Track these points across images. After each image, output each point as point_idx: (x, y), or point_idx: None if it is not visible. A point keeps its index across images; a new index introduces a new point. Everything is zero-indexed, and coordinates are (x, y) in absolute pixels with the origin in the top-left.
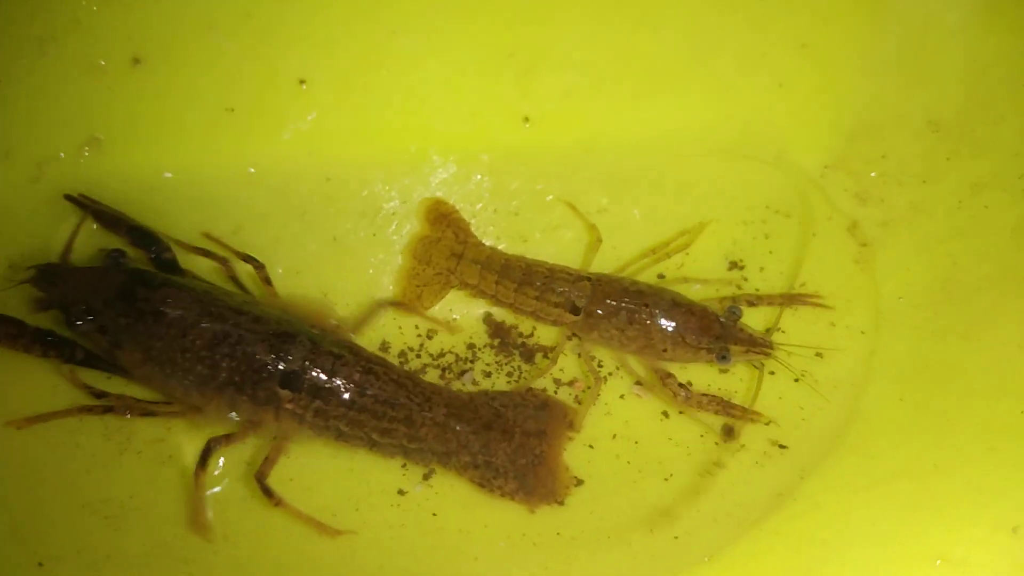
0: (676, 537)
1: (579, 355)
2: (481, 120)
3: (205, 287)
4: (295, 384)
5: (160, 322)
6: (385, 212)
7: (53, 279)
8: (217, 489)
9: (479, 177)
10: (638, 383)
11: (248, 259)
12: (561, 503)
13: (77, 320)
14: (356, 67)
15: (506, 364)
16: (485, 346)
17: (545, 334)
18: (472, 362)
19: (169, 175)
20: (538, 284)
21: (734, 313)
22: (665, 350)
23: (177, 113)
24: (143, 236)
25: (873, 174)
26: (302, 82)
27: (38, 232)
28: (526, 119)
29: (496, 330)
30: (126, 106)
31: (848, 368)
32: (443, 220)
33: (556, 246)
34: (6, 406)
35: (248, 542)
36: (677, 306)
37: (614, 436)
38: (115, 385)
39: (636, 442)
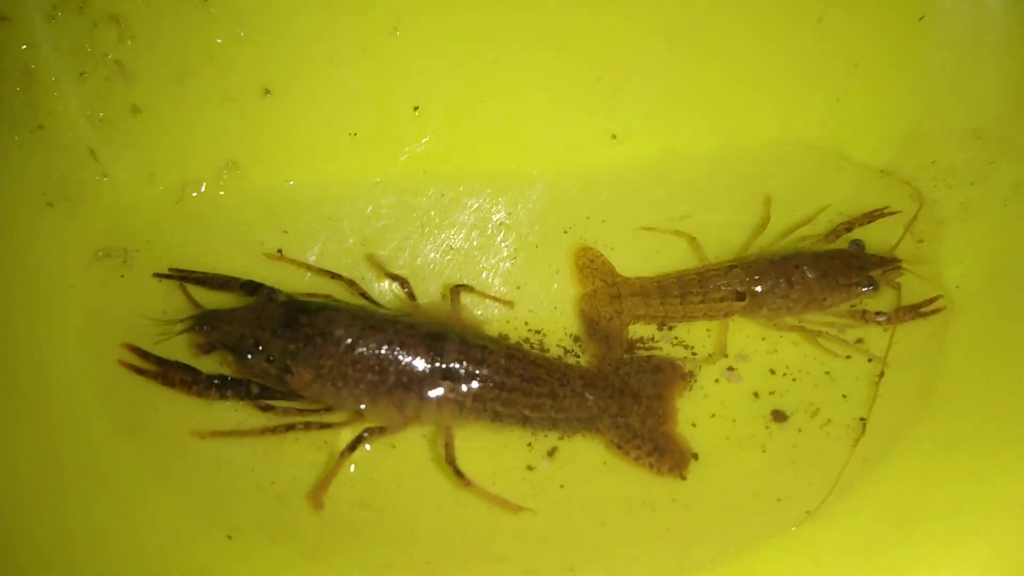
0: (778, 500)
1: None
2: (573, 138)
3: (353, 306)
4: (454, 376)
5: (328, 341)
6: (493, 223)
7: (214, 323)
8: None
9: (573, 190)
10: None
11: (395, 278)
12: (684, 478)
13: (248, 354)
14: (462, 94)
15: None
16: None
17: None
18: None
19: (301, 196)
20: (696, 289)
21: (859, 245)
22: (825, 298)
23: (305, 139)
24: (255, 287)
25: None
26: (416, 108)
27: (182, 248)
28: (613, 136)
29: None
30: (259, 133)
31: (919, 349)
32: (587, 271)
33: (645, 250)
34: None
35: (403, 514)
36: (818, 257)
37: (712, 415)
38: None
39: (733, 420)
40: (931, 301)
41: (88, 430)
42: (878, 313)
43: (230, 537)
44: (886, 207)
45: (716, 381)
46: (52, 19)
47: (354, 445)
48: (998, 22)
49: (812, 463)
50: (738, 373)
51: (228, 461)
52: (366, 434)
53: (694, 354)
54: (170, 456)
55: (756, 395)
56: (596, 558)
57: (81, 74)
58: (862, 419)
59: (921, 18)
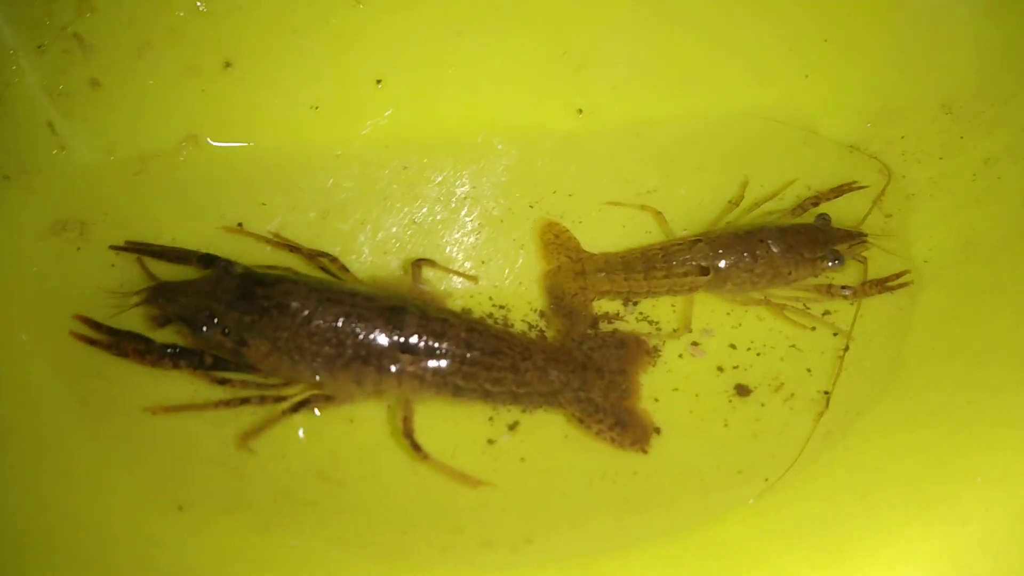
0: (740, 472)
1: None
2: (540, 111)
3: (311, 278)
4: (414, 349)
5: (285, 313)
6: (458, 196)
7: (169, 295)
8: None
9: (539, 163)
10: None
11: (322, 254)
12: (646, 452)
13: (203, 326)
14: (427, 66)
15: None
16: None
17: None
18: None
19: (262, 169)
20: (660, 263)
21: (825, 219)
22: (790, 272)
23: (266, 111)
24: (212, 259)
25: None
26: (379, 81)
27: (140, 221)
28: (580, 110)
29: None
30: (219, 105)
31: (885, 323)
32: (552, 246)
33: (611, 224)
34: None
35: (363, 487)
36: (783, 231)
37: (675, 389)
38: None
39: (696, 395)
40: (898, 276)
41: (38, 401)
42: (844, 287)
43: (181, 508)
44: (854, 181)
45: (680, 356)
46: None
47: (297, 407)
48: None
49: (775, 436)
50: (702, 348)
51: (182, 433)
52: (312, 399)
53: (659, 329)
54: (123, 428)
55: (720, 369)
56: (555, 529)
57: (39, 47)
58: (826, 392)
59: None
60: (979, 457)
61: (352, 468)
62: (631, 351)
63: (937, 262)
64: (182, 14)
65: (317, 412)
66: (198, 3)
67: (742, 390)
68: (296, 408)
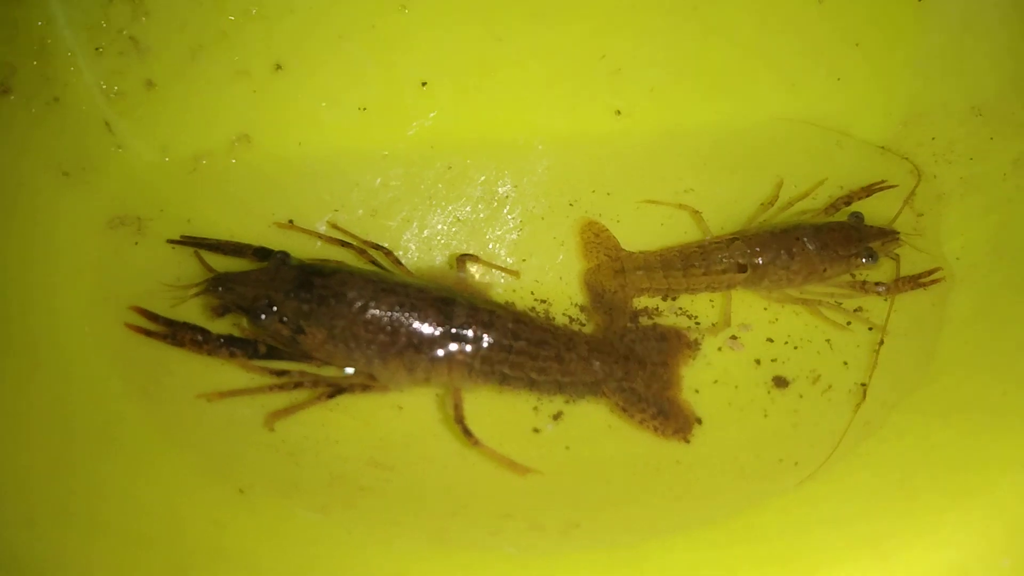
0: (780, 461)
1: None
2: (578, 114)
3: (366, 270)
4: (463, 338)
5: (341, 303)
6: (500, 195)
7: (228, 284)
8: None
9: (578, 163)
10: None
11: (377, 247)
12: (688, 441)
13: (262, 314)
14: (469, 70)
15: None
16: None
17: None
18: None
19: (311, 169)
20: (699, 261)
21: (858, 217)
22: (825, 269)
23: (315, 113)
24: (267, 252)
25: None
26: (424, 84)
27: (194, 217)
28: (617, 112)
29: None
30: (270, 106)
31: (919, 319)
32: (592, 245)
33: (649, 223)
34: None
35: (413, 472)
36: (818, 229)
37: (715, 382)
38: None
39: (736, 387)
40: (930, 272)
41: (101, 392)
42: (877, 283)
43: (242, 491)
44: (883, 180)
45: (719, 349)
46: None
47: (333, 394)
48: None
49: (813, 426)
50: (740, 341)
51: (240, 420)
52: (349, 387)
53: (698, 324)
54: (182, 416)
55: (758, 362)
56: (600, 515)
57: (96, 49)
58: (863, 384)
59: None
60: (1013, 446)
61: (402, 454)
62: (672, 344)
63: (968, 260)
64: (233, 18)
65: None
66: (251, 8)
67: (780, 382)
68: (332, 395)
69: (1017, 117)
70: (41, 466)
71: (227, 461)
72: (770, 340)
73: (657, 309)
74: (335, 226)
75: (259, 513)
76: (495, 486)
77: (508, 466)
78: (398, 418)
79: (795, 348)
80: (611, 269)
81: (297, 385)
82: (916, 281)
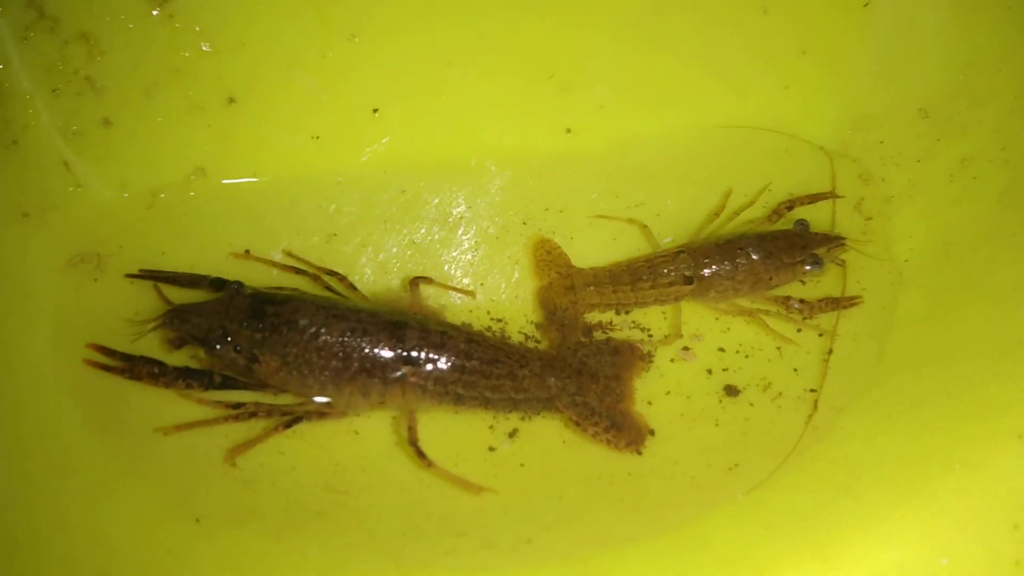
0: (730, 469)
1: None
2: (529, 133)
3: (319, 296)
4: (416, 361)
5: (293, 330)
6: (454, 217)
7: (183, 316)
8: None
9: (530, 182)
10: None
11: (331, 272)
12: (640, 453)
13: (217, 344)
14: (420, 95)
15: None
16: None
17: None
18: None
19: (267, 198)
20: (646, 275)
21: (803, 224)
22: (771, 278)
23: (269, 143)
24: (223, 283)
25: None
26: (375, 110)
27: (153, 251)
28: (568, 130)
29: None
30: (225, 139)
31: (868, 322)
32: (543, 263)
33: (602, 238)
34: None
35: (368, 496)
36: (762, 238)
37: (667, 393)
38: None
39: (688, 397)
40: (851, 299)
41: (61, 426)
42: (801, 301)
43: (198, 521)
44: (831, 191)
45: (671, 361)
46: (24, 39)
47: (290, 423)
48: (939, 2)
49: (764, 433)
50: (693, 352)
51: (197, 450)
52: (304, 415)
53: (650, 336)
54: (141, 448)
55: (710, 372)
56: (554, 529)
57: (54, 90)
58: (812, 391)
59: (866, 4)
60: (957, 447)
61: (358, 478)
62: (625, 357)
63: (917, 261)
64: (187, 54)
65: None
66: (202, 44)
67: (731, 391)
68: (290, 424)
69: (962, 118)
70: None
71: (184, 491)
72: (722, 349)
73: (611, 323)
74: (290, 254)
75: (216, 541)
76: (449, 506)
77: (462, 485)
78: (355, 443)
79: (746, 357)
80: (562, 286)
81: (252, 415)
82: (835, 303)
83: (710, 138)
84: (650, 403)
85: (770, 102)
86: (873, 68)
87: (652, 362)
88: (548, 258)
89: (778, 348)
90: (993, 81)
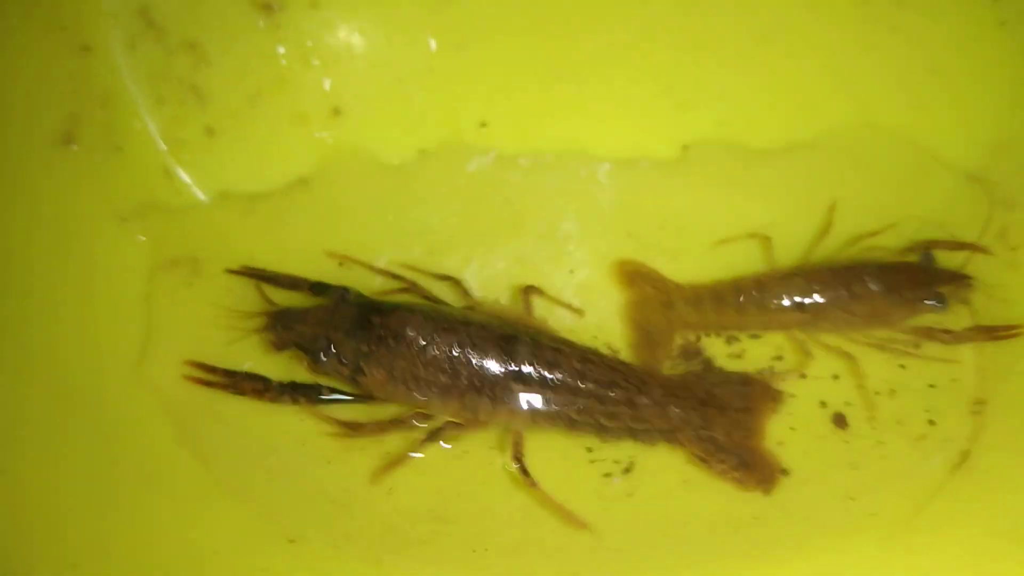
0: (872, 515)
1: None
2: (643, 147)
3: (427, 306)
4: (526, 379)
5: (401, 343)
6: (562, 232)
7: (287, 321)
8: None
9: (643, 197)
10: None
11: (444, 277)
12: (769, 493)
13: (322, 354)
14: (530, 109)
15: None
16: None
17: None
18: None
19: (368, 209)
20: (754, 297)
21: (929, 258)
22: (888, 313)
23: (375, 155)
24: (324, 287)
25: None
26: (483, 124)
27: (250, 258)
28: (685, 146)
29: None
30: (328, 150)
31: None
32: (636, 278)
33: (718, 255)
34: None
35: (472, 526)
36: (883, 268)
37: (792, 429)
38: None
39: (818, 437)
40: (1010, 328)
41: (152, 437)
42: (945, 330)
43: (292, 541)
44: (978, 243)
45: (793, 396)
46: (132, 49)
47: (433, 436)
48: None
49: (904, 477)
50: (816, 387)
51: (292, 469)
52: (445, 428)
53: (773, 369)
54: (233, 463)
55: (824, 404)
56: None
57: (158, 98)
58: (931, 422)
59: (1002, 23)
60: None
61: (462, 506)
62: (755, 391)
63: None
64: (292, 65)
65: (444, 444)
66: (309, 54)
67: (857, 429)
68: (432, 437)
69: None
70: (83, 508)
71: (278, 510)
72: (836, 376)
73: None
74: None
75: (311, 563)
76: (562, 543)
77: (565, 517)
78: (459, 468)
79: (876, 393)
80: (658, 303)
81: (394, 422)
82: (992, 332)
83: (836, 158)
84: (780, 443)
85: (899, 123)
86: (1011, 89)
87: (787, 399)
88: (641, 274)
89: (931, 386)
90: None
